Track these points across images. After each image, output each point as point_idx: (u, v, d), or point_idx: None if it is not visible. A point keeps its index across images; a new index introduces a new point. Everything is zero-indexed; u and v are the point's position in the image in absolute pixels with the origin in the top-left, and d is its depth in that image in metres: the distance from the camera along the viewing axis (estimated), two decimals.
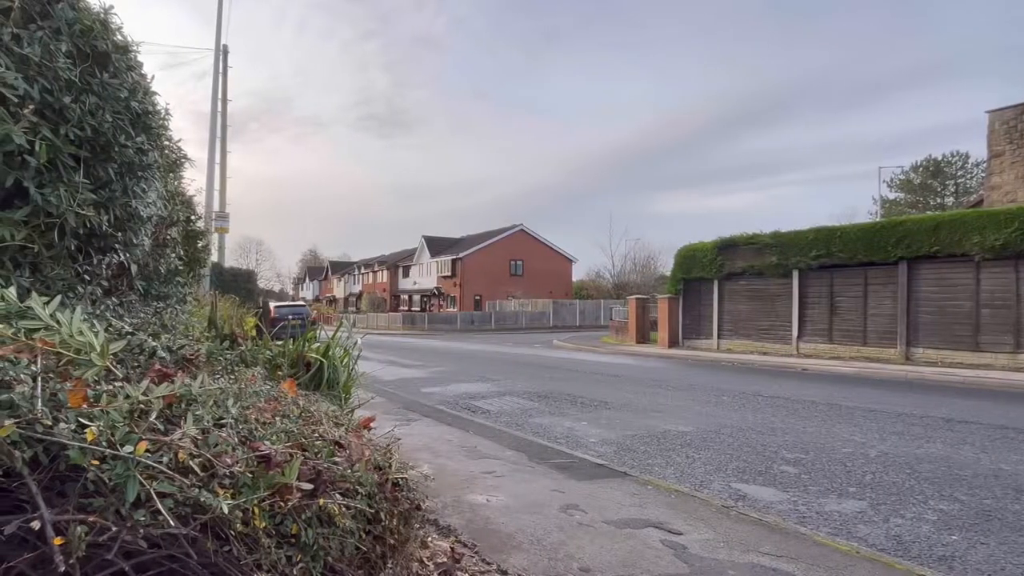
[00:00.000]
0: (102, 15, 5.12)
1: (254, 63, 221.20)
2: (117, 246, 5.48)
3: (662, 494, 7.52)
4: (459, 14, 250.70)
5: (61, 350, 3.04)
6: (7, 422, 2.36)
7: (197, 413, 3.14)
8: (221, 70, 36.31)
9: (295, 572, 3.04)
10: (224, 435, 3.09)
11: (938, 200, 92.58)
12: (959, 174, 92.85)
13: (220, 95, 35.99)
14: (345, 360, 8.20)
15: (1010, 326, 23.40)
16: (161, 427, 2.90)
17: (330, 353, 7.92)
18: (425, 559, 4.95)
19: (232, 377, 4.78)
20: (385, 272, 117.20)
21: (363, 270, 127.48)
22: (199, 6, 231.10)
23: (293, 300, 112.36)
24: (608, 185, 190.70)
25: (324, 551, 3.22)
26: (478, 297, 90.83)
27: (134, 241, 5.73)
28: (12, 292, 3.33)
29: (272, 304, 43.46)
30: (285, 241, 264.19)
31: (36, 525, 2.35)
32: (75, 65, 4.63)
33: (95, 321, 4.03)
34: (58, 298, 3.43)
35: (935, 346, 25.55)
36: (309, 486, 3.20)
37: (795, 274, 30.72)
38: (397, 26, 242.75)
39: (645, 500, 7.25)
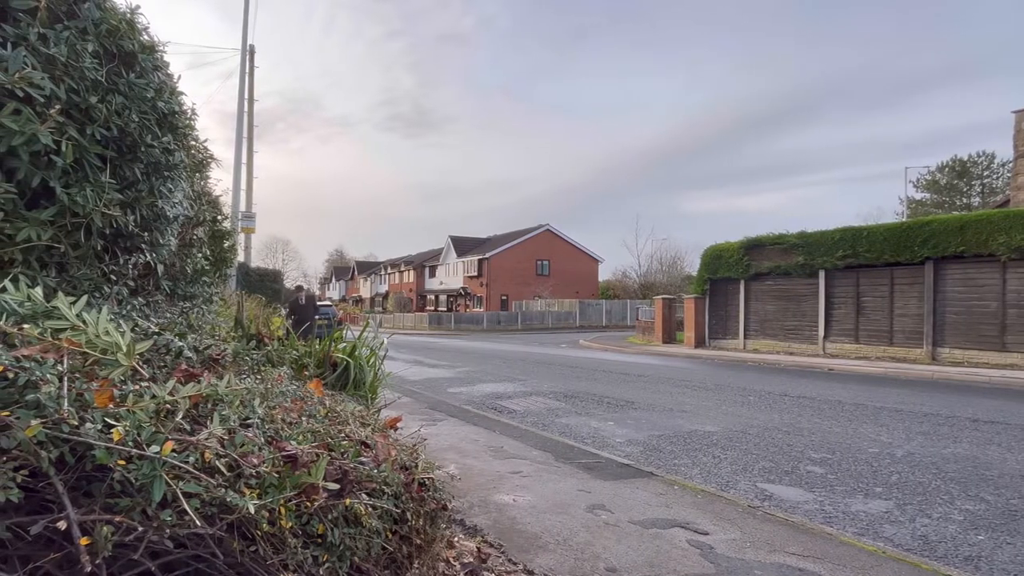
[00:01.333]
0: (128, 15, 5.13)
1: (280, 63, 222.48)
2: (143, 246, 5.49)
3: (688, 494, 7.48)
4: (486, 13, 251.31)
5: (87, 350, 3.04)
6: (34, 422, 2.35)
7: (223, 413, 3.13)
8: (248, 70, 36.40)
9: (321, 572, 3.03)
10: (250, 435, 3.08)
11: (964, 200, 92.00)
12: (985, 174, 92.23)
13: (247, 95, 36.08)
14: (371, 360, 8.21)
15: None
16: (187, 427, 2.89)
17: (356, 353, 7.94)
18: (451, 559, 4.94)
19: (258, 377, 4.79)
20: (411, 272, 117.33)
21: (389, 270, 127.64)
22: (224, 5, 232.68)
23: (320, 300, 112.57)
24: (635, 185, 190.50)
25: (350, 551, 3.22)
26: (504, 297, 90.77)
27: (160, 241, 5.73)
28: (38, 292, 3.33)
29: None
30: (311, 241, 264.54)
31: (62, 525, 2.35)
32: (101, 65, 4.63)
33: (121, 321, 4.03)
34: (84, 298, 3.43)
35: (961, 346, 25.37)
36: (335, 486, 3.19)
37: (822, 274, 30.57)
38: (423, 25, 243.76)
39: (671, 500, 7.22)
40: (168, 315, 5.87)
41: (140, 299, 5.54)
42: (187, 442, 2.74)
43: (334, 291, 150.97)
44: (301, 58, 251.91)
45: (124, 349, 3.14)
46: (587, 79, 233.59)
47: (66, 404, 2.53)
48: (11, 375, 2.54)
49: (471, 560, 5.09)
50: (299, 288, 26.09)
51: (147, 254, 5.58)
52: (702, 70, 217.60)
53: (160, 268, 6.07)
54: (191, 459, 2.66)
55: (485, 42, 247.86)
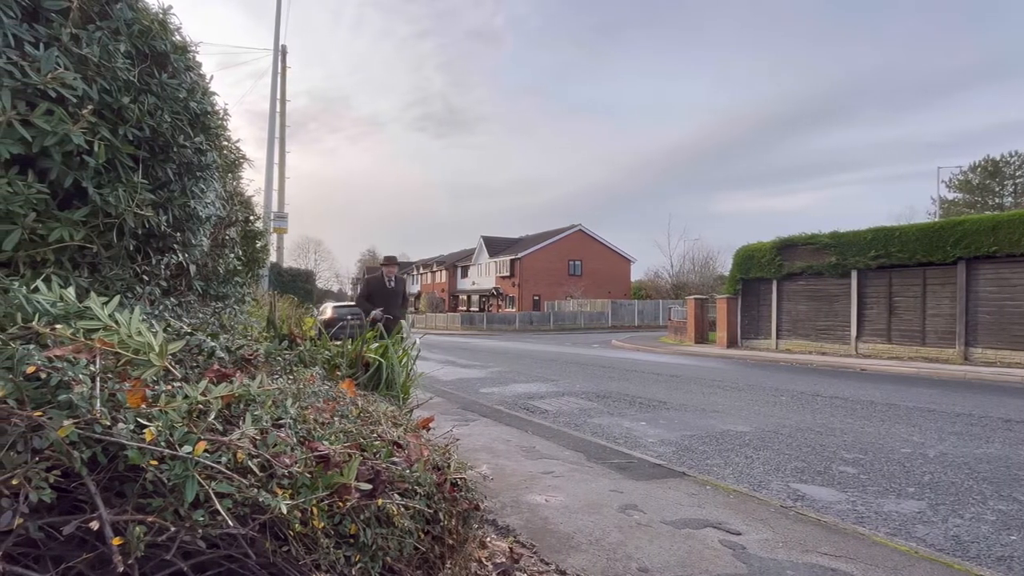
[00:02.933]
0: (161, 15, 5.15)
1: (310, 62, 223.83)
2: (176, 246, 5.50)
3: (721, 494, 7.44)
4: (517, 12, 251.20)
5: (120, 350, 3.05)
6: (66, 422, 2.35)
7: (256, 413, 3.12)
8: (280, 71, 36.58)
9: (354, 572, 3.02)
10: (283, 435, 3.08)
11: (996, 200, 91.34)
12: (1018, 174, 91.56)
13: (279, 95, 36.28)
14: (403, 360, 8.21)
15: None
16: (220, 427, 2.89)
17: (388, 353, 7.93)
18: (484, 559, 4.92)
19: (291, 377, 4.78)
20: (443, 272, 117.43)
21: (421, 270, 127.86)
22: (253, 4, 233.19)
23: (352, 300, 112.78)
24: (667, 185, 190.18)
25: (383, 551, 3.20)
26: (537, 297, 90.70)
27: (193, 241, 5.75)
28: (71, 292, 3.34)
29: (330, 304, 43.46)
30: (343, 241, 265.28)
31: (95, 525, 2.35)
32: (134, 66, 4.65)
33: (154, 321, 4.05)
34: (117, 298, 3.44)
35: (993, 346, 25.14)
36: (368, 486, 3.18)
37: (854, 274, 30.38)
38: (453, 24, 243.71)
39: (704, 500, 7.18)
40: (200, 315, 5.88)
41: (172, 299, 5.55)
42: (219, 442, 2.74)
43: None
44: (331, 57, 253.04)
45: (156, 349, 3.15)
46: (618, 79, 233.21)
47: (99, 404, 2.53)
48: (44, 375, 2.54)
49: (503, 560, 5.07)
50: (388, 261, 15.11)
51: (179, 254, 5.60)
52: (733, 69, 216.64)
53: (192, 268, 6.09)
54: (223, 459, 2.65)
55: (516, 42, 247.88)
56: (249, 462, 2.74)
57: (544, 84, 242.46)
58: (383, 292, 14.17)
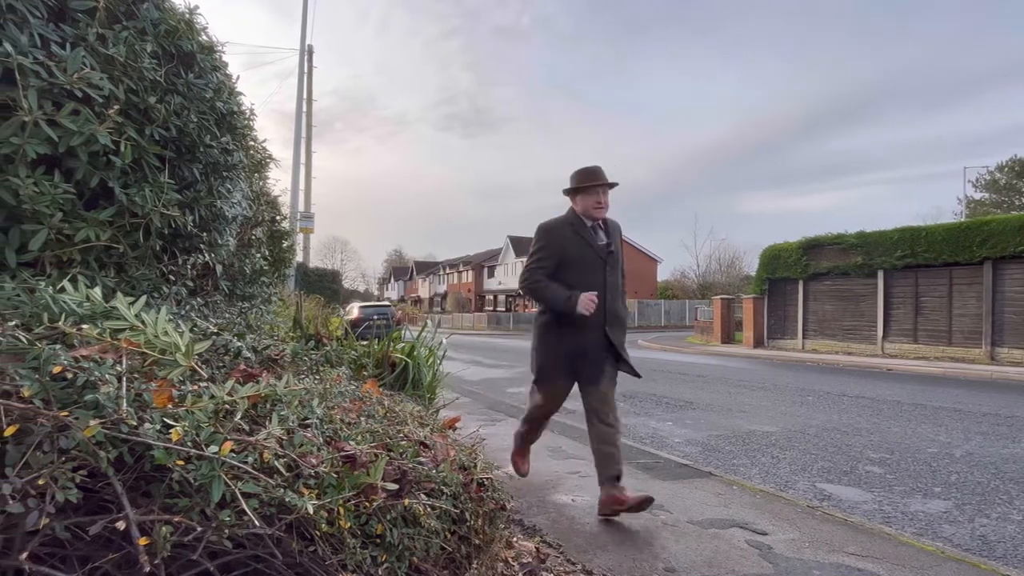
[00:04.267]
0: (187, 15, 5.17)
1: (337, 61, 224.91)
2: (202, 246, 5.52)
3: (747, 494, 7.41)
4: (544, 11, 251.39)
5: (146, 350, 3.05)
6: (92, 422, 2.35)
7: (282, 413, 3.12)
8: (306, 71, 36.66)
9: (380, 572, 3.01)
10: (309, 435, 3.07)
11: (1023, 200, 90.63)
12: None
13: (305, 95, 36.35)
14: (430, 360, 8.22)
15: None
16: (246, 427, 2.89)
17: (415, 353, 7.95)
18: (510, 559, 4.91)
19: (317, 377, 4.78)
20: (470, 272, 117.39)
21: (448, 270, 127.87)
22: (279, 2, 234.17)
23: (378, 300, 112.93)
24: (693, 184, 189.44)
25: (409, 551, 3.19)
26: None
27: (219, 241, 5.76)
28: (97, 292, 3.35)
29: (356, 304, 43.55)
30: (370, 241, 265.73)
31: (121, 525, 2.35)
32: (160, 65, 4.66)
33: (180, 321, 4.06)
34: (143, 298, 3.44)
35: (1020, 346, 24.92)
36: (394, 486, 3.18)
37: (880, 274, 30.24)
38: (480, 23, 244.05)
39: (730, 500, 7.16)
40: (227, 315, 5.89)
41: (199, 299, 5.57)
42: (246, 442, 2.74)
43: (393, 291, 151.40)
44: (357, 56, 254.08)
45: (183, 349, 3.15)
46: (644, 78, 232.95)
47: (125, 404, 2.53)
48: (70, 375, 2.55)
49: (530, 560, 5.06)
50: (591, 179, 6.89)
51: (206, 254, 5.62)
52: (760, 69, 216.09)
53: (219, 268, 6.10)
54: (250, 459, 2.65)
55: (543, 41, 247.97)
56: (275, 462, 2.74)
57: (570, 83, 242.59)
58: (586, 256, 6.66)
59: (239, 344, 4.26)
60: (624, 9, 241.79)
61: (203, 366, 3.51)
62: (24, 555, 2.21)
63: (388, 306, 48.17)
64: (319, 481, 2.86)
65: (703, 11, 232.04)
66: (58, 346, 2.69)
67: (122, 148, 4.09)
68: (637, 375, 7.15)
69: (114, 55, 4.16)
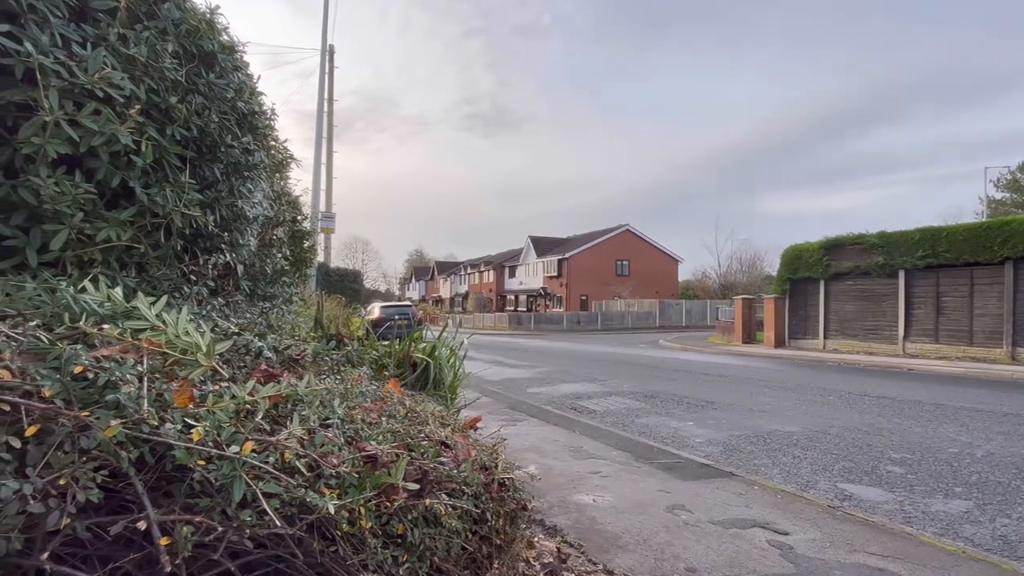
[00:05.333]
0: (208, 15, 5.18)
1: (357, 61, 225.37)
2: (223, 246, 5.53)
3: (768, 494, 7.41)
4: (564, 11, 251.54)
5: (167, 350, 3.05)
6: (113, 422, 2.35)
7: (303, 413, 3.12)
8: (327, 71, 36.70)
9: (401, 572, 3.00)
10: (330, 435, 3.07)
11: None
12: None
13: (326, 95, 36.38)
14: (451, 360, 8.21)
15: None
16: (267, 427, 2.88)
17: (436, 353, 7.94)
18: (531, 559, 4.91)
19: (338, 377, 4.78)
20: (491, 272, 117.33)
21: (469, 270, 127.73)
22: (300, 1, 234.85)
23: (399, 300, 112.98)
24: (714, 184, 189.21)
25: (430, 551, 3.19)
26: (584, 297, 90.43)
27: (240, 241, 5.77)
28: (118, 292, 3.35)
29: (378, 304, 43.56)
30: (391, 241, 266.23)
31: (142, 525, 2.34)
32: (181, 65, 4.67)
33: (201, 321, 4.05)
34: (164, 298, 3.45)
35: None
36: (415, 486, 3.17)
37: (901, 274, 30.13)
38: (501, 24, 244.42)
39: (751, 500, 7.16)
40: (248, 315, 5.90)
41: (220, 299, 5.57)
42: (267, 442, 2.73)
43: (414, 291, 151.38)
44: (378, 56, 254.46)
45: (204, 349, 3.14)
46: (666, 77, 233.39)
47: (146, 404, 2.52)
48: (91, 375, 2.55)
49: (551, 560, 5.06)
50: None
51: (227, 254, 5.62)
52: (783, 68, 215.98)
53: (240, 268, 6.11)
54: (271, 459, 2.65)
55: (563, 40, 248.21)
56: (296, 462, 2.73)
57: (592, 83, 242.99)
58: None
59: (260, 344, 4.26)
60: (645, 7, 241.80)
61: (224, 366, 3.51)
62: (45, 555, 2.21)
63: (409, 306, 48.11)
64: (340, 481, 2.86)
65: (725, 9, 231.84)
66: (79, 346, 2.69)
67: (143, 148, 4.10)
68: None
69: (135, 55, 4.17)
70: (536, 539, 5.48)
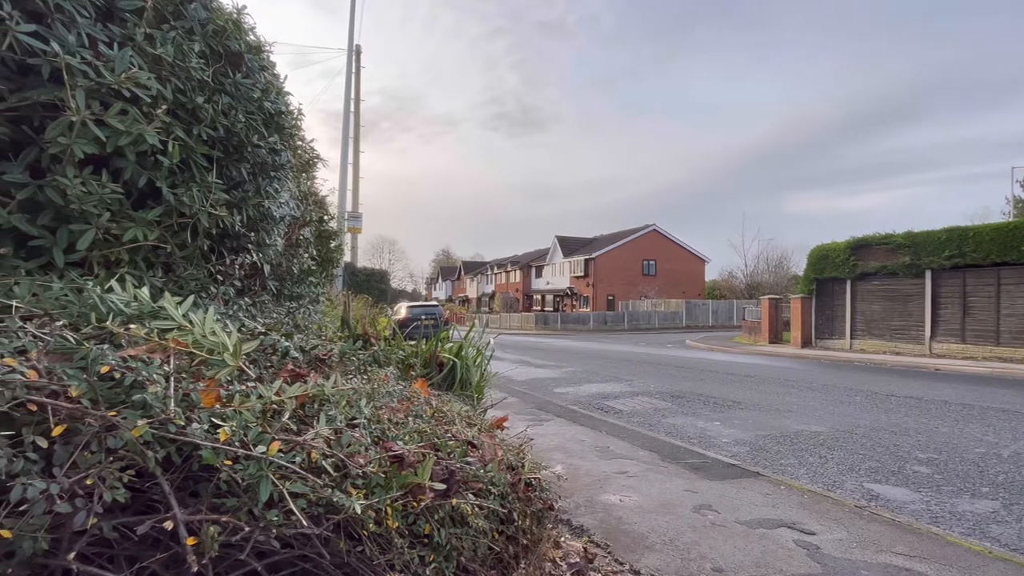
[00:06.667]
0: (235, 15, 5.18)
1: (383, 61, 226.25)
2: (250, 246, 5.53)
3: (795, 494, 7.41)
4: (590, 11, 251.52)
5: (194, 350, 3.05)
6: (140, 422, 2.35)
7: (330, 413, 3.11)
8: (354, 71, 36.75)
9: (428, 572, 2.99)
10: (357, 435, 3.06)
11: None
12: None
13: (352, 95, 36.43)
14: (478, 360, 8.21)
15: None
16: (294, 427, 2.88)
17: (463, 353, 7.94)
18: (558, 559, 4.90)
19: (365, 377, 4.78)
20: (518, 272, 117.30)
21: (495, 270, 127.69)
22: (324, 1, 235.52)
23: (426, 300, 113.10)
24: (740, 184, 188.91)
25: (457, 551, 3.18)
26: (611, 297, 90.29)
27: (267, 241, 5.78)
28: (145, 292, 3.35)
29: (404, 304, 43.58)
30: (418, 241, 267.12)
31: (169, 525, 2.34)
32: (208, 65, 4.68)
33: (228, 321, 4.05)
34: (191, 298, 3.45)
35: None
36: (442, 486, 3.16)
37: (928, 274, 30.03)
38: (526, 23, 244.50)
39: (778, 500, 7.16)
40: (275, 315, 5.91)
41: (247, 299, 5.58)
42: (293, 442, 2.73)
43: (440, 291, 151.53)
44: (403, 56, 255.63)
45: (230, 349, 3.14)
46: (691, 78, 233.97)
47: (173, 404, 2.52)
48: (118, 375, 2.55)
49: (577, 560, 5.04)
50: None
51: (254, 254, 5.63)
52: (807, 69, 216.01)
53: (267, 268, 6.12)
54: (297, 459, 2.64)
55: (588, 40, 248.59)
56: (323, 462, 2.73)
57: (617, 83, 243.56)
58: None
59: (287, 344, 4.26)
60: (670, 6, 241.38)
61: (251, 366, 3.51)
62: (72, 555, 2.21)
63: (436, 306, 48.08)
64: (367, 481, 2.85)
65: (748, 9, 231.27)
66: (106, 346, 2.69)
67: (170, 148, 4.10)
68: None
69: (162, 55, 4.18)
70: (563, 539, 5.48)
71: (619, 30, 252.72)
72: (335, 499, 2.60)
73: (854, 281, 34.10)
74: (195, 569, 2.29)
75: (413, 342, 8.28)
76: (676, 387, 18.29)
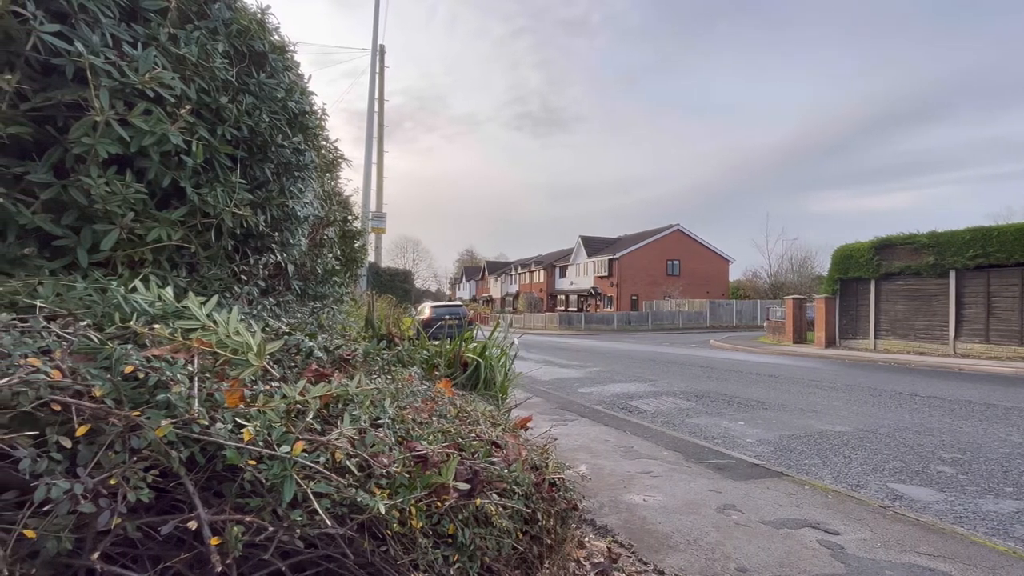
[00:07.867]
0: (259, 15, 5.19)
1: (405, 60, 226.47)
2: (274, 246, 5.54)
3: (819, 494, 7.38)
4: (613, 9, 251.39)
5: (218, 350, 3.05)
6: (164, 422, 2.35)
7: (354, 413, 3.11)
8: (378, 71, 36.79)
9: (452, 572, 2.99)
10: (381, 435, 3.06)
11: None
12: None
13: (376, 95, 36.48)
14: (502, 360, 8.19)
15: None
16: (318, 427, 2.88)
17: (487, 353, 7.93)
18: (582, 559, 4.88)
19: (389, 377, 4.78)
20: (542, 272, 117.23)
21: (520, 270, 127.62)
22: (347, 0, 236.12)
23: (450, 300, 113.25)
24: (764, 184, 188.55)
25: (481, 551, 3.17)
26: (635, 297, 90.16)
27: (291, 241, 5.79)
28: (169, 292, 3.36)
29: (428, 304, 43.61)
30: (442, 241, 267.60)
31: (193, 525, 2.34)
32: (232, 65, 4.69)
33: (252, 321, 4.06)
34: (215, 298, 3.45)
35: None
36: (466, 486, 3.15)
37: (952, 274, 29.83)
38: (549, 23, 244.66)
39: (802, 500, 7.13)
40: (299, 315, 5.92)
41: (271, 299, 5.59)
42: (317, 442, 2.73)
43: (464, 291, 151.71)
44: (426, 55, 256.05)
45: (254, 349, 3.14)
46: (714, 78, 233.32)
47: (196, 404, 2.52)
48: (142, 375, 2.55)
49: (602, 560, 5.03)
50: None
51: (277, 254, 5.64)
52: (831, 68, 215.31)
53: (291, 268, 6.12)
54: (321, 459, 2.64)
55: (612, 39, 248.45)
56: (347, 462, 2.72)
57: (640, 81, 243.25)
58: None
59: (311, 344, 4.26)
60: (694, 4, 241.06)
61: (275, 366, 3.52)
62: (96, 555, 2.21)
63: (460, 306, 48.07)
64: (391, 481, 2.84)
65: (773, 7, 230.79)
66: (130, 346, 2.70)
67: (194, 148, 4.11)
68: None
69: (186, 55, 4.19)
70: (587, 539, 5.47)
71: (643, 27, 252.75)
72: (359, 499, 2.60)
73: (878, 281, 33.93)
74: (219, 569, 2.29)
75: (437, 342, 8.28)
76: (700, 387, 18.25)
